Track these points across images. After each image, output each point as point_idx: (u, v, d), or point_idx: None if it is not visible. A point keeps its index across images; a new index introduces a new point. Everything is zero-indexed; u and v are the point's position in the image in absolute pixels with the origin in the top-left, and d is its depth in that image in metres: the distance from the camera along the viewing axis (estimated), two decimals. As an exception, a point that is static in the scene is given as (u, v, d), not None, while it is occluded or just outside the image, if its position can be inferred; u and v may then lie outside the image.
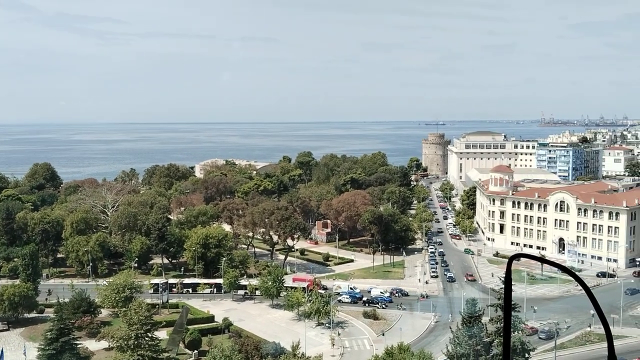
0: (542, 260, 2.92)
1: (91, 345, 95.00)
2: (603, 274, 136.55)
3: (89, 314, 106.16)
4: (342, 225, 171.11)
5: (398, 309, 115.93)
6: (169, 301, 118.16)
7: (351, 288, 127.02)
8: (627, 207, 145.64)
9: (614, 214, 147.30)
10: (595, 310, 3.09)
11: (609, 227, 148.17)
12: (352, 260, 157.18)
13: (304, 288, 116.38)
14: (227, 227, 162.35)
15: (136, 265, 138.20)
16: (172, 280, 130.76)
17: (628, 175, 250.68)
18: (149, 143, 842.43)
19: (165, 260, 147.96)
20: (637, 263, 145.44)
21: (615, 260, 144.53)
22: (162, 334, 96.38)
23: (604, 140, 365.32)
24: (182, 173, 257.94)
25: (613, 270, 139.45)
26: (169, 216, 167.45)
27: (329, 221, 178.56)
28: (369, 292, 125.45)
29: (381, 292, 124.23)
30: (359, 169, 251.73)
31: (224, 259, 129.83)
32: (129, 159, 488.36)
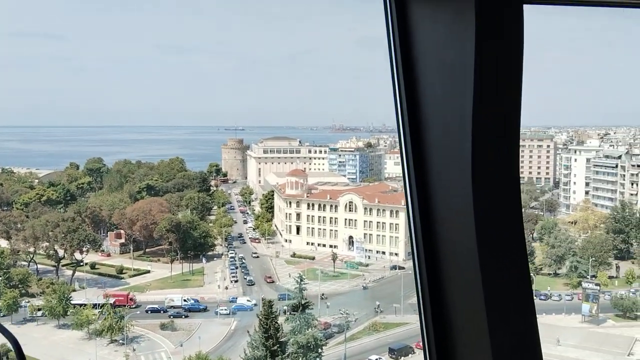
0: None
1: None
2: (395, 267, 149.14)
3: None
4: (137, 234, 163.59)
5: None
6: None
7: (185, 300, 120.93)
8: (404, 205, 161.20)
9: (395, 212, 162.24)
10: None
11: (390, 224, 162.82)
12: (148, 271, 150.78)
13: (95, 304, 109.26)
14: (3, 243, 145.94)
15: None
16: None
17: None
18: None
19: None
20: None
21: (396, 254, 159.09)
22: None
23: (385, 145, 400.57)
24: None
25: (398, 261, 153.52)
26: None
27: (122, 231, 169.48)
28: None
29: (248, 300, 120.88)
30: (155, 176, 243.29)
31: (0, 278, 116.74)
32: None
